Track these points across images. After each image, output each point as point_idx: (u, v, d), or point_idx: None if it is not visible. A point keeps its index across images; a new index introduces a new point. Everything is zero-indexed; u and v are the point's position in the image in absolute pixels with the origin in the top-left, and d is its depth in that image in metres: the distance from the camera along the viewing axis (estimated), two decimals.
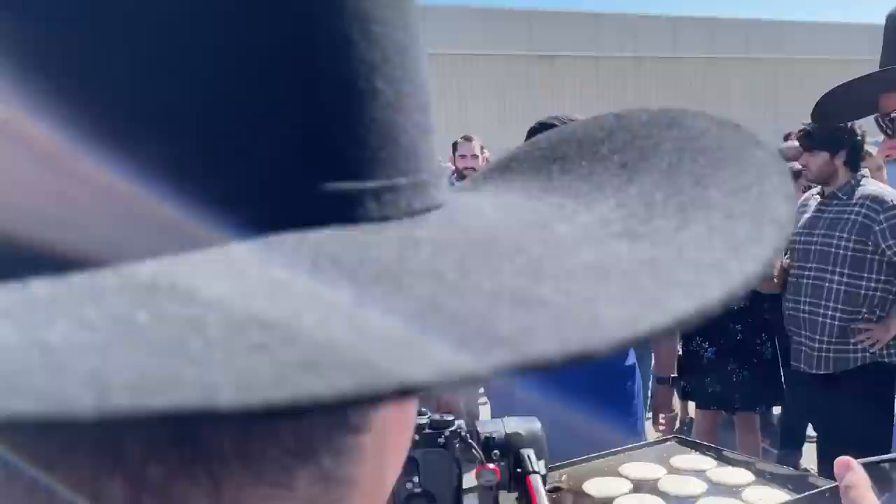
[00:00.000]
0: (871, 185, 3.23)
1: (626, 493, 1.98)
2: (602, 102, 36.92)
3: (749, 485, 1.97)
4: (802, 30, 40.75)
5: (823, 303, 3.18)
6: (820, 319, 3.18)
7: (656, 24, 37.96)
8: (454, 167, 5.48)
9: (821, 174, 3.25)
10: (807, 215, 3.37)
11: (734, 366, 3.65)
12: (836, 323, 3.15)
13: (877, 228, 3.06)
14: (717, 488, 1.96)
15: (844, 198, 3.19)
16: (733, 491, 1.95)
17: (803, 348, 3.28)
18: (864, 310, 3.12)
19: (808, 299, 3.23)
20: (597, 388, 2.69)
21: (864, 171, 3.28)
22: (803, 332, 3.25)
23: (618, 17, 36.89)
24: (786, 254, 3.51)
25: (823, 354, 3.21)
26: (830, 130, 3.19)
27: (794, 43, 40.20)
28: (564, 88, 36.01)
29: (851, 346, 3.16)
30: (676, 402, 2.89)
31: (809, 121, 4.40)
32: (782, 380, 3.81)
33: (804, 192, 4.08)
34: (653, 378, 3.03)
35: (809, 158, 3.27)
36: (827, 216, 3.21)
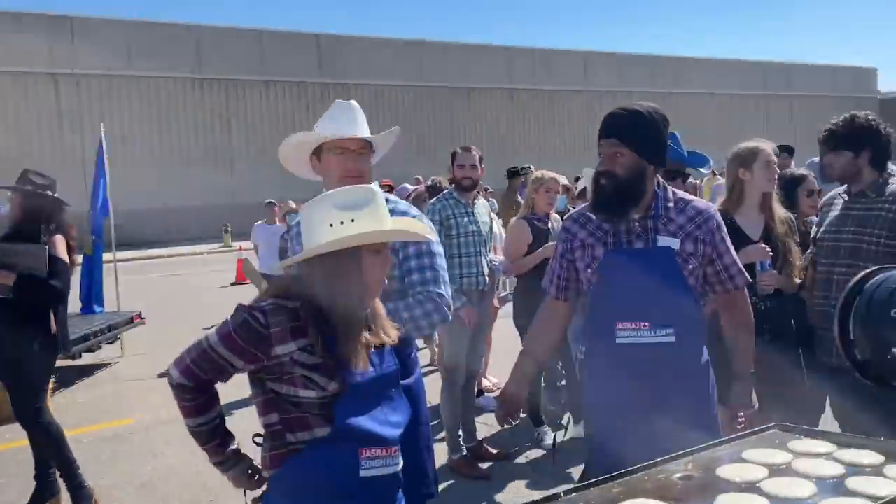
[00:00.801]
0: None
1: (767, 478, 1.91)
2: (516, 132, 37.83)
3: (884, 464, 1.93)
4: (702, 65, 42.88)
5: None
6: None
7: (568, 57, 39.23)
8: (452, 177, 5.42)
9: (845, 173, 3.33)
10: (834, 213, 3.42)
11: None
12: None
13: None
14: (854, 469, 1.92)
15: (873, 195, 3.26)
16: (876, 470, 1.91)
17: (834, 343, 3.30)
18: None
19: (839, 295, 3.25)
20: (675, 385, 2.62)
21: (892, 168, 3.38)
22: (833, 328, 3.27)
23: (529, 51, 37.85)
24: (810, 250, 3.57)
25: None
26: (854, 130, 3.27)
27: (694, 77, 42.22)
28: (479, 119, 36.68)
29: None
30: (755, 397, 2.84)
31: (703, 149, 4.66)
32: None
33: (807, 196, 4.18)
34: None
35: (833, 158, 3.34)
36: (856, 213, 3.28)
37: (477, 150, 5.47)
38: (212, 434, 2.21)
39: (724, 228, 2.78)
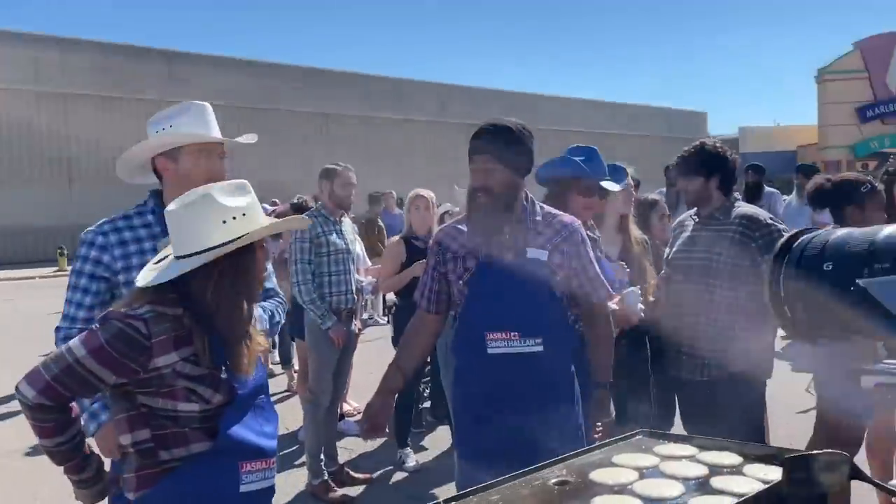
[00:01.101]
0: (744, 207, 3.58)
1: (637, 480, 1.96)
2: (372, 159, 37.91)
3: (742, 464, 2.04)
4: (554, 103, 44.88)
5: (705, 313, 3.42)
6: (701, 329, 3.41)
7: (424, 88, 39.91)
8: (322, 194, 5.28)
9: (698, 197, 3.54)
10: (685, 234, 3.64)
11: None
12: (717, 332, 3.40)
13: (753, 245, 3.38)
14: (716, 469, 2.01)
15: (721, 217, 3.49)
16: (736, 470, 2.01)
17: (683, 357, 3.50)
18: (742, 319, 3.41)
19: (689, 310, 3.47)
20: (542, 394, 2.67)
21: (736, 194, 3.63)
22: (684, 343, 3.47)
23: (385, 80, 38.21)
24: (664, 270, 3.76)
25: (704, 362, 3.44)
26: (703, 156, 3.50)
27: (546, 114, 44.12)
28: (335, 144, 36.51)
29: (729, 355, 3.43)
30: (612, 407, 2.93)
31: None
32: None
33: (658, 220, 4.42)
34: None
35: (686, 183, 3.55)
36: (706, 234, 3.49)
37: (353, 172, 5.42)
38: (73, 451, 2.04)
39: (588, 243, 2.87)
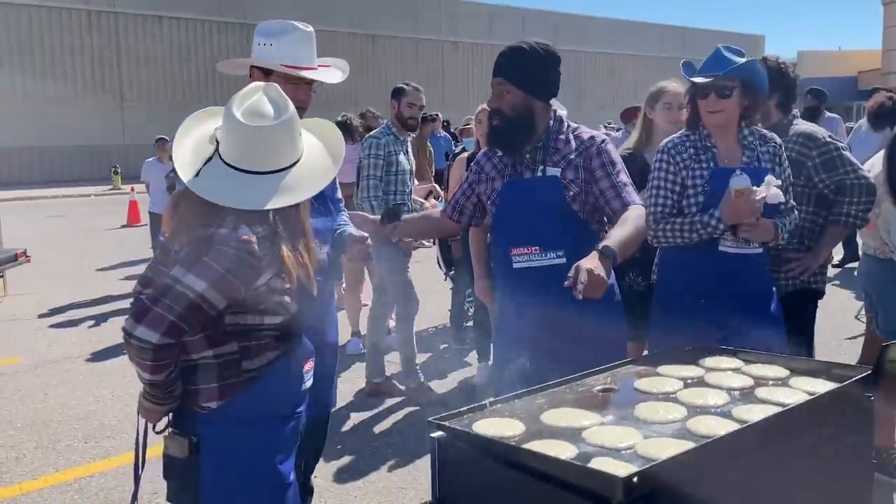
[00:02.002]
0: (803, 125, 3.47)
1: (682, 388, 1.99)
2: (420, 81, 37.37)
3: (789, 377, 2.05)
4: (603, 25, 43.62)
5: None
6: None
7: (472, 9, 39.05)
8: (396, 113, 5.28)
9: None
10: None
11: None
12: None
13: (809, 164, 3.30)
14: (761, 381, 2.02)
15: (780, 135, 3.39)
16: (783, 382, 2.02)
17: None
18: (795, 240, 3.35)
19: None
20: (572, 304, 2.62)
21: (796, 111, 3.53)
22: None
23: (435, 2, 37.45)
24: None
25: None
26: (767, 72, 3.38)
27: (594, 37, 42.93)
28: (382, 66, 36.17)
29: (783, 274, 3.39)
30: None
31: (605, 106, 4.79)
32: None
33: None
34: None
35: None
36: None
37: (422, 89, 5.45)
38: (175, 382, 2.00)
39: (610, 154, 2.80)
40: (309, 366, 2.19)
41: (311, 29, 2.74)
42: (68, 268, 10.62)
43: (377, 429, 4.74)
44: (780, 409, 1.76)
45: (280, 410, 2.10)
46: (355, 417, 4.92)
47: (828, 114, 8.60)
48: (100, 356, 6.39)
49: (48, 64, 28.61)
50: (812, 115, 8.27)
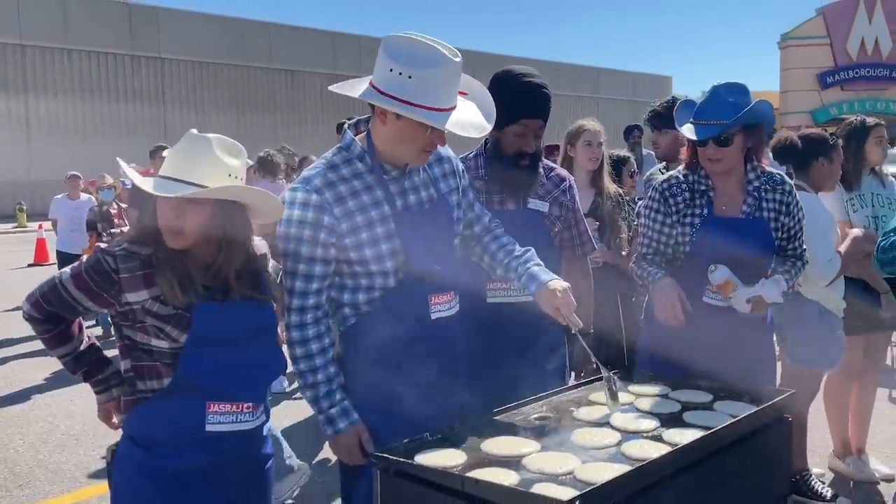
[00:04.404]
0: None
1: (615, 414, 2.06)
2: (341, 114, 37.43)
3: (713, 401, 2.15)
4: (521, 64, 44.74)
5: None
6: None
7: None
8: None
9: (669, 150, 3.61)
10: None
11: None
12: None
13: None
14: (688, 406, 2.12)
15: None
16: (707, 406, 2.12)
17: None
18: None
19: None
20: (535, 340, 2.67)
21: None
22: None
23: (355, 39, 37.70)
24: (635, 223, 3.84)
25: None
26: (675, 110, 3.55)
27: None
28: (305, 101, 36.05)
29: None
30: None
31: None
32: None
33: (629, 176, 4.50)
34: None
35: (658, 136, 3.62)
36: None
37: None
38: (76, 362, 2.17)
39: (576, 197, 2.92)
40: (221, 408, 2.03)
41: (459, 59, 2.12)
42: None
43: (321, 467, 4.67)
44: (706, 431, 1.84)
45: (171, 441, 2.01)
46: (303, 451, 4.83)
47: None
48: (6, 401, 6.09)
49: None
50: None
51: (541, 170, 2.82)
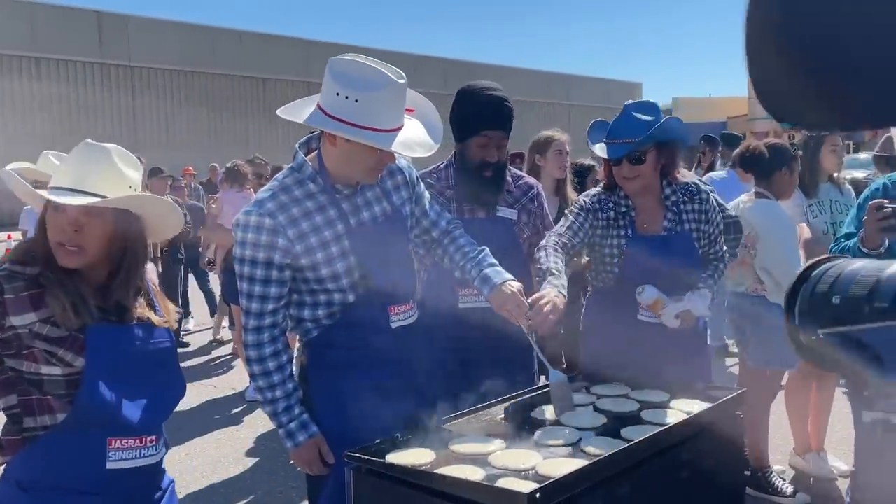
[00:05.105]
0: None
1: (574, 415, 2.16)
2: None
3: (669, 399, 2.26)
4: (490, 71, 44.96)
5: None
6: None
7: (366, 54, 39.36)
8: None
9: None
10: None
11: None
12: None
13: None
14: (646, 405, 2.22)
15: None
16: (664, 405, 2.23)
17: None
18: None
19: None
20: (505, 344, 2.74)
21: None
22: None
23: (323, 45, 37.70)
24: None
25: None
26: None
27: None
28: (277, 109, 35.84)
29: None
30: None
31: None
32: None
33: (594, 185, 4.63)
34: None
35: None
36: None
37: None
38: None
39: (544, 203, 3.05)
40: (123, 444, 1.87)
41: (404, 80, 2.18)
42: None
43: (282, 472, 4.73)
44: (661, 428, 1.95)
45: (67, 485, 1.83)
46: (258, 463, 4.89)
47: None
48: None
49: None
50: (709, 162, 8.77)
51: (509, 178, 2.94)
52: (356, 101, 2.10)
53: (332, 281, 2.24)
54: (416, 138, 2.22)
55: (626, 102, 2.84)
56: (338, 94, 2.12)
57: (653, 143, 2.73)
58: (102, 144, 1.92)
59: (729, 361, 6.45)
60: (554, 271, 2.48)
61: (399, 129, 2.18)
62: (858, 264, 1.00)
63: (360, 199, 2.30)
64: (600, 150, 2.83)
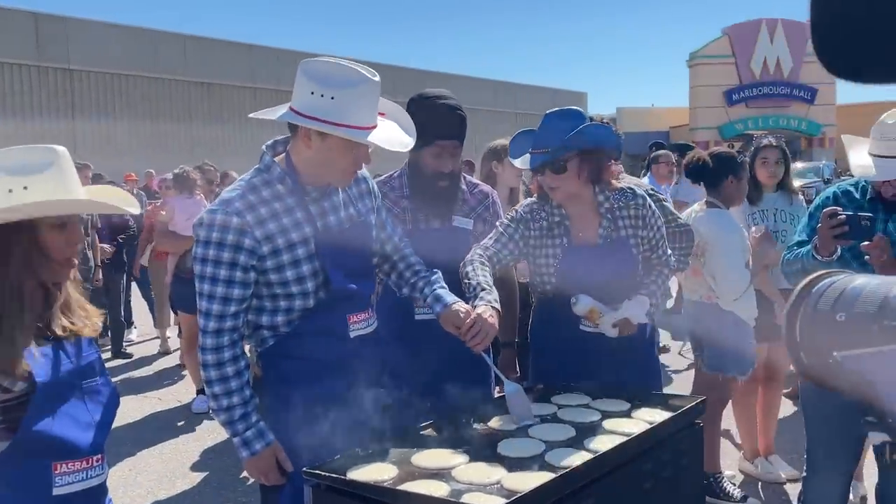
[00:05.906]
0: (626, 178, 3.80)
1: (538, 424, 2.15)
2: (265, 130, 36.94)
3: (630, 409, 2.25)
4: (436, 79, 45.15)
5: None
6: None
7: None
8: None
9: None
10: None
11: None
12: None
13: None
14: (608, 414, 2.21)
15: None
16: (625, 414, 2.22)
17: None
18: None
19: None
20: (454, 359, 2.71)
21: (620, 166, 3.87)
22: None
23: (268, 50, 37.34)
24: None
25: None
26: None
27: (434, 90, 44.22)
28: (222, 114, 35.41)
29: None
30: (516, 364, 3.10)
31: None
32: None
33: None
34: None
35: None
36: None
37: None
38: None
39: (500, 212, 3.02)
40: (70, 467, 1.75)
41: (378, 78, 2.18)
42: None
43: (231, 487, 4.61)
44: (624, 438, 1.94)
45: None
46: (206, 477, 4.76)
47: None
48: None
49: None
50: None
51: (464, 186, 2.91)
52: (332, 98, 2.09)
53: (297, 284, 2.18)
54: (391, 136, 2.22)
55: (547, 111, 2.78)
56: (312, 93, 2.11)
57: (575, 150, 2.64)
58: (52, 147, 1.79)
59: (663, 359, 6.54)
60: (484, 286, 2.46)
61: (374, 127, 2.16)
62: (861, 280, 0.97)
63: (327, 202, 2.27)
64: (521, 162, 2.78)
